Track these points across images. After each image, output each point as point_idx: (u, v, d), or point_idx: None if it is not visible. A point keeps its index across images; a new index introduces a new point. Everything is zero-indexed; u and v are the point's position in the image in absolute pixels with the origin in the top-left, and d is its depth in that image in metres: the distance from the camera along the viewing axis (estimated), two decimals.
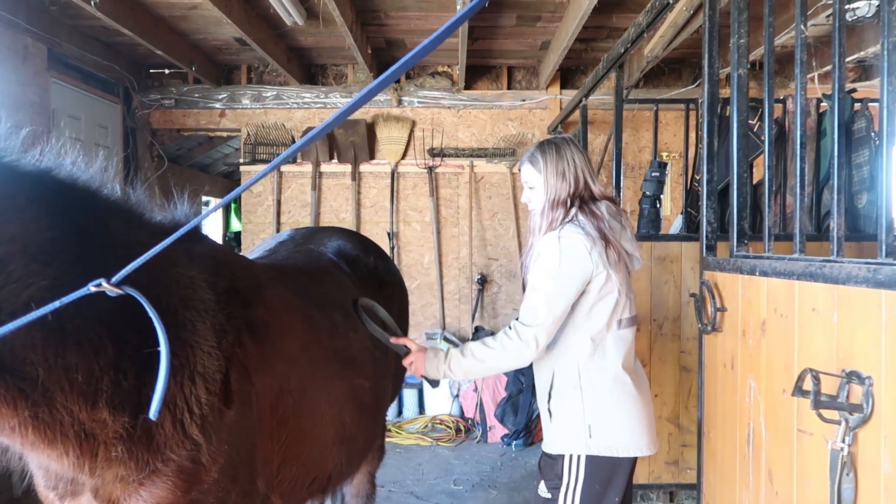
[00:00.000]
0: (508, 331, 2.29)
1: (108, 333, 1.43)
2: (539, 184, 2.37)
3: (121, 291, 1.35)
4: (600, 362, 2.28)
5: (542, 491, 2.38)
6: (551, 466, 2.35)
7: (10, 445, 1.48)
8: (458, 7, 4.39)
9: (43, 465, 1.52)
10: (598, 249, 2.21)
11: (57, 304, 1.28)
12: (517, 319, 2.30)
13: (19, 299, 1.29)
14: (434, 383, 2.49)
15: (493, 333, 6.09)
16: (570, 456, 2.29)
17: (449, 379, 2.44)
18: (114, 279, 1.33)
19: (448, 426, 5.99)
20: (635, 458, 2.33)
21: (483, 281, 6.74)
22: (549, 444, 2.37)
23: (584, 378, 2.28)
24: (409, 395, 6.35)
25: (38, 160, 1.46)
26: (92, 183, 1.56)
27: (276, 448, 1.91)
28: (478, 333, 6.34)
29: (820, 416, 1.64)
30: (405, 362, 2.49)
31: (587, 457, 2.27)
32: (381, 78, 1.15)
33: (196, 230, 1.87)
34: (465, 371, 2.35)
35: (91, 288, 1.31)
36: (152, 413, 1.37)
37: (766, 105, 2.38)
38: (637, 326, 2.48)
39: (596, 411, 2.26)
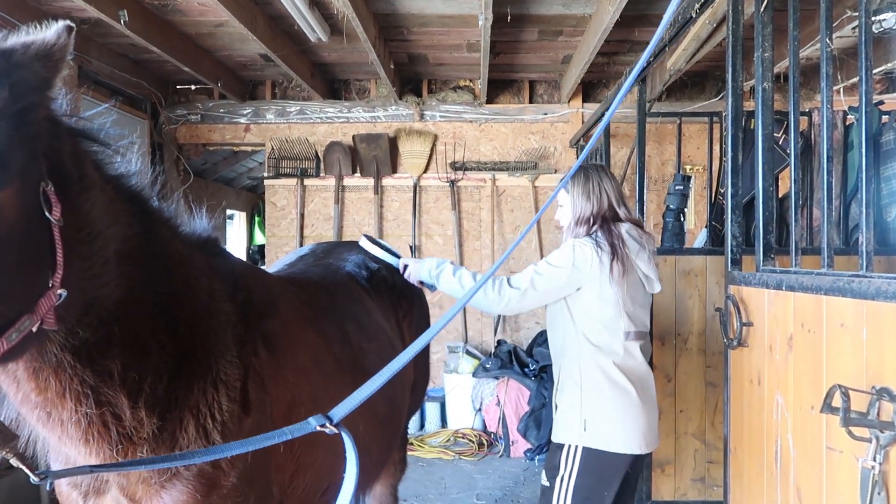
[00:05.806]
0: (497, 281, 2.53)
1: (155, 339, 1.51)
2: (567, 202, 2.66)
3: (337, 431, 1.43)
4: (601, 363, 2.48)
5: (543, 480, 2.63)
6: (554, 456, 2.57)
7: (42, 438, 1.52)
8: (480, 23, 4.42)
9: (70, 460, 1.55)
10: (605, 259, 2.44)
11: (288, 435, 1.39)
12: (508, 278, 2.56)
13: (116, 293, 1.41)
14: (430, 287, 2.77)
15: (515, 347, 6.17)
16: (569, 446, 2.51)
17: (434, 285, 2.73)
18: (335, 419, 1.41)
19: (471, 440, 5.96)
20: (634, 459, 2.50)
21: None
22: (554, 433, 2.60)
23: (585, 376, 2.50)
24: (431, 409, 6.34)
25: (120, 167, 1.55)
26: (147, 192, 1.64)
27: (289, 456, 1.92)
28: (500, 347, 6.33)
29: (850, 433, 1.61)
30: (405, 274, 2.79)
31: (583, 448, 2.47)
32: None
33: (216, 244, 1.91)
34: (448, 289, 2.65)
35: (317, 427, 1.41)
36: None
37: (793, 119, 2.37)
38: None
39: (592, 407, 2.48)
